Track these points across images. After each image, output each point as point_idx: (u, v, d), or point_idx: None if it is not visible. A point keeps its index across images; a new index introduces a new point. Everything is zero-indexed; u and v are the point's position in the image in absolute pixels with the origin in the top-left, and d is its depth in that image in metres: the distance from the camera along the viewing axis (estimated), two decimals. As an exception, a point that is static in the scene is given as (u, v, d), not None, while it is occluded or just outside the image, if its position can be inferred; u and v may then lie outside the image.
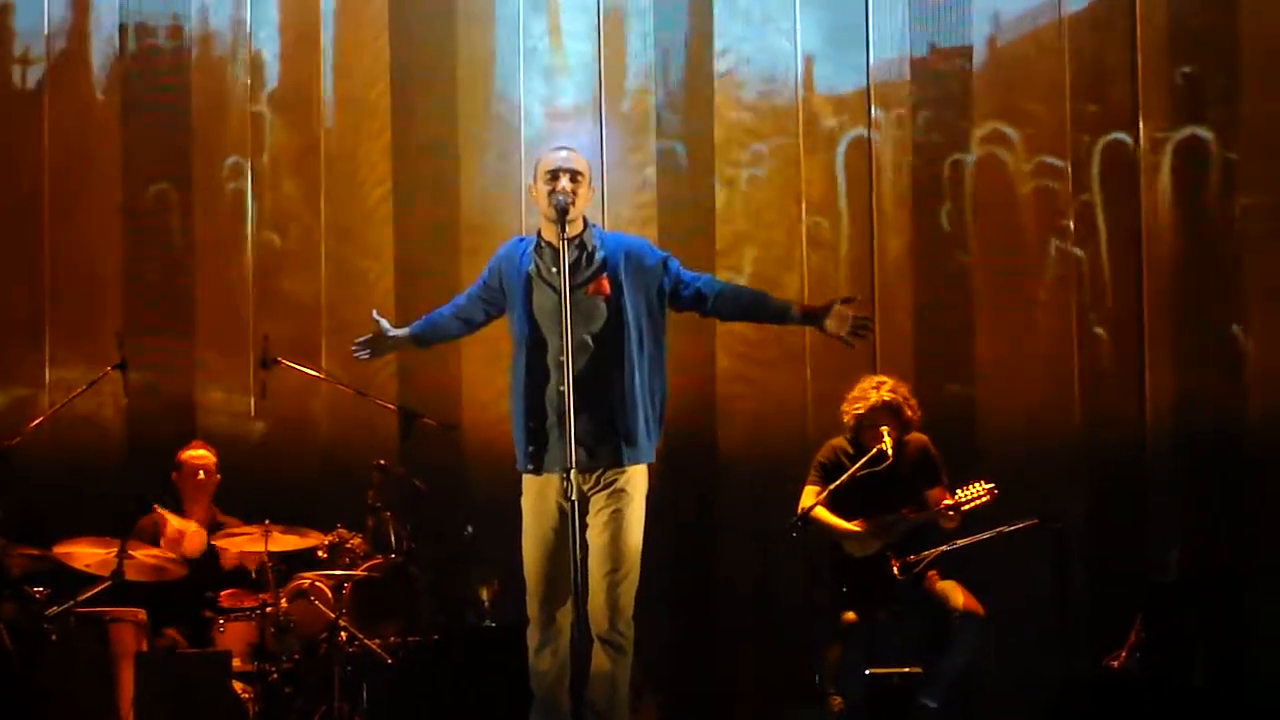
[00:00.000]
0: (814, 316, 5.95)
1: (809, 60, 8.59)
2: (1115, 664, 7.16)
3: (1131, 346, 8.30)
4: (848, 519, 7.32)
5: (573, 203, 5.76)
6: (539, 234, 5.91)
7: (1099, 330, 8.35)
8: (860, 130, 8.55)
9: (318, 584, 7.30)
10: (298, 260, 8.72)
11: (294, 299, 8.69)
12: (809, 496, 7.36)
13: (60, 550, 7.22)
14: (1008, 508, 7.27)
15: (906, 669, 7.07)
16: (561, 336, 5.58)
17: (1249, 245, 8.22)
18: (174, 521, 7.53)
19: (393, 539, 7.48)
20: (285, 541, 7.31)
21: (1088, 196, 8.39)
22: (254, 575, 7.41)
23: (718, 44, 8.65)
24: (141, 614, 7.15)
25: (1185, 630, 7.15)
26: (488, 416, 8.33)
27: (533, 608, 5.84)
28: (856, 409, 7.40)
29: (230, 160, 8.70)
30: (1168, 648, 7.07)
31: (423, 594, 7.55)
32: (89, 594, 7.10)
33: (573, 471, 5.51)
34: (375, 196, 8.73)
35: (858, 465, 7.24)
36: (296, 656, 7.22)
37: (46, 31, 8.71)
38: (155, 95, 8.71)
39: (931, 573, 7.29)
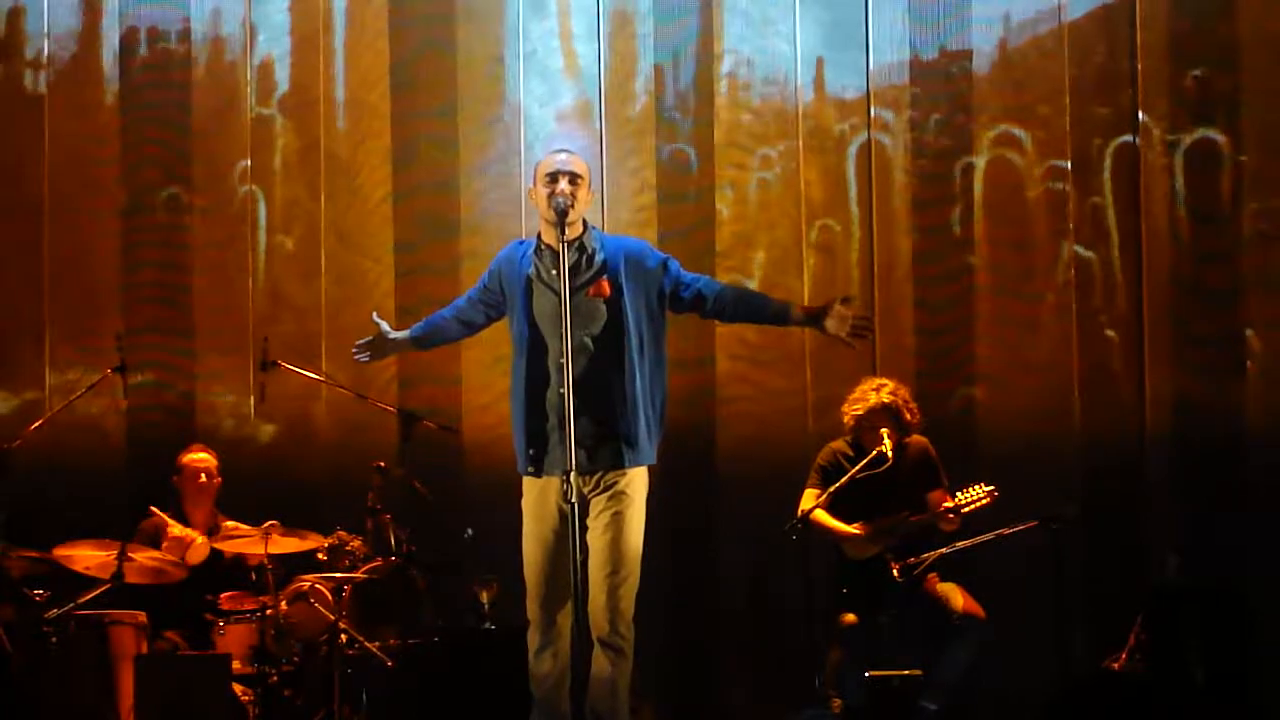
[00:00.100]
0: (814, 317, 5.95)
1: (820, 61, 8.58)
2: (1115, 666, 7.16)
3: (1142, 350, 8.28)
4: (848, 521, 7.32)
5: (572, 205, 5.75)
6: (539, 236, 5.91)
7: (1110, 333, 8.34)
8: (874, 133, 8.54)
9: (318, 586, 7.29)
10: (297, 262, 8.72)
11: (294, 301, 8.70)
12: (808, 499, 7.36)
13: (60, 553, 7.22)
14: (1008, 510, 7.27)
15: (906, 671, 7.07)
16: (561, 339, 5.58)
17: (1258, 248, 8.20)
18: (176, 529, 7.52)
19: (392, 541, 7.48)
20: (285, 544, 7.31)
21: (1099, 199, 8.38)
22: (253, 578, 7.41)
23: (718, 47, 8.64)
24: (141, 616, 7.15)
25: (1185, 633, 7.15)
26: (487, 419, 8.34)
27: (533, 610, 5.84)
28: (856, 410, 7.41)
29: (231, 163, 8.70)
30: (1168, 650, 7.07)
31: (423, 596, 7.55)
32: (89, 597, 7.10)
33: (573, 474, 5.50)
34: (375, 198, 8.73)
35: (858, 468, 7.25)
36: (296, 659, 7.22)
37: (58, 34, 8.71)
38: (162, 96, 8.73)
39: (931, 575, 7.29)
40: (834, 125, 8.59)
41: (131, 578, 7.15)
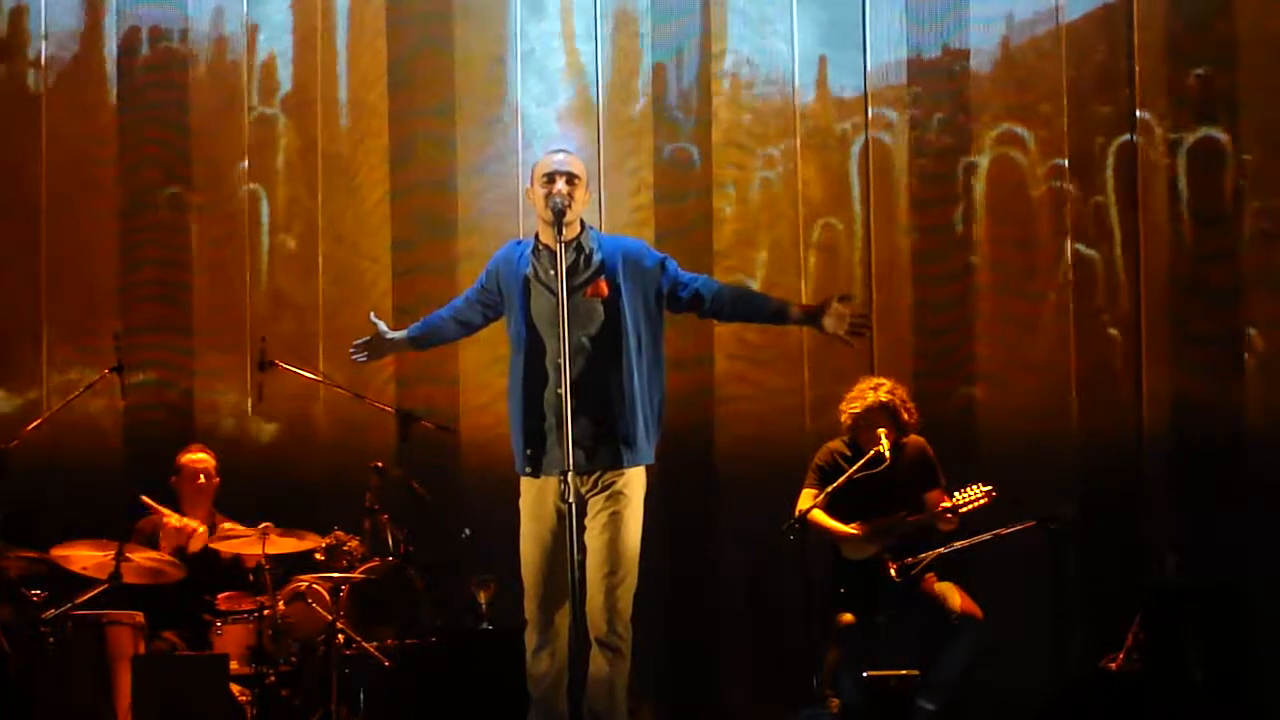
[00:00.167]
0: (812, 316, 5.94)
1: (822, 60, 8.58)
2: (1113, 666, 7.16)
3: (1143, 348, 8.28)
4: (845, 521, 7.32)
5: (569, 205, 5.75)
6: (536, 236, 5.91)
7: (1113, 332, 8.33)
8: (873, 132, 8.53)
9: (315, 586, 7.29)
10: (295, 262, 8.72)
11: (292, 301, 8.69)
12: (806, 499, 7.36)
13: (58, 553, 7.21)
14: (1006, 510, 7.27)
15: (904, 671, 7.07)
16: (559, 339, 5.57)
17: (1260, 247, 8.20)
18: (174, 519, 7.52)
19: (390, 541, 7.48)
20: (282, 544, 7.30)
21: (1101, 198, 8.38)
22: (251, 578, 7.41)
23: (717, 46, 8.64)
24: (139, 617, 7.14)
25: (1184, 632, 7.15)
26: (485, 419, 8.33)
27: (530, 610, 5.84)
28: (854, 408, 7.41)
29: (230, 162, 8.70)
30: (1166, 650, 7.07)
31: (420, 596, 7.55)
32: (86, 597, 7.09)
33: (570, 474, 5.50)
34: (373, 198, 8.73)
35: (855, 468, 7.25)
36: (294, 659, 7.21)
37: (59, 33, 8.71)
38: (161, 96, 8.73)
39: (929, 575, 7.29)
40: (836, 124, 8.59)
41: (129, 578, 7.14)
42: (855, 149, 8.55)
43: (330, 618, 7.16)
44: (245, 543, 7.33)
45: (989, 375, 8.41)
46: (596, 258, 5.87)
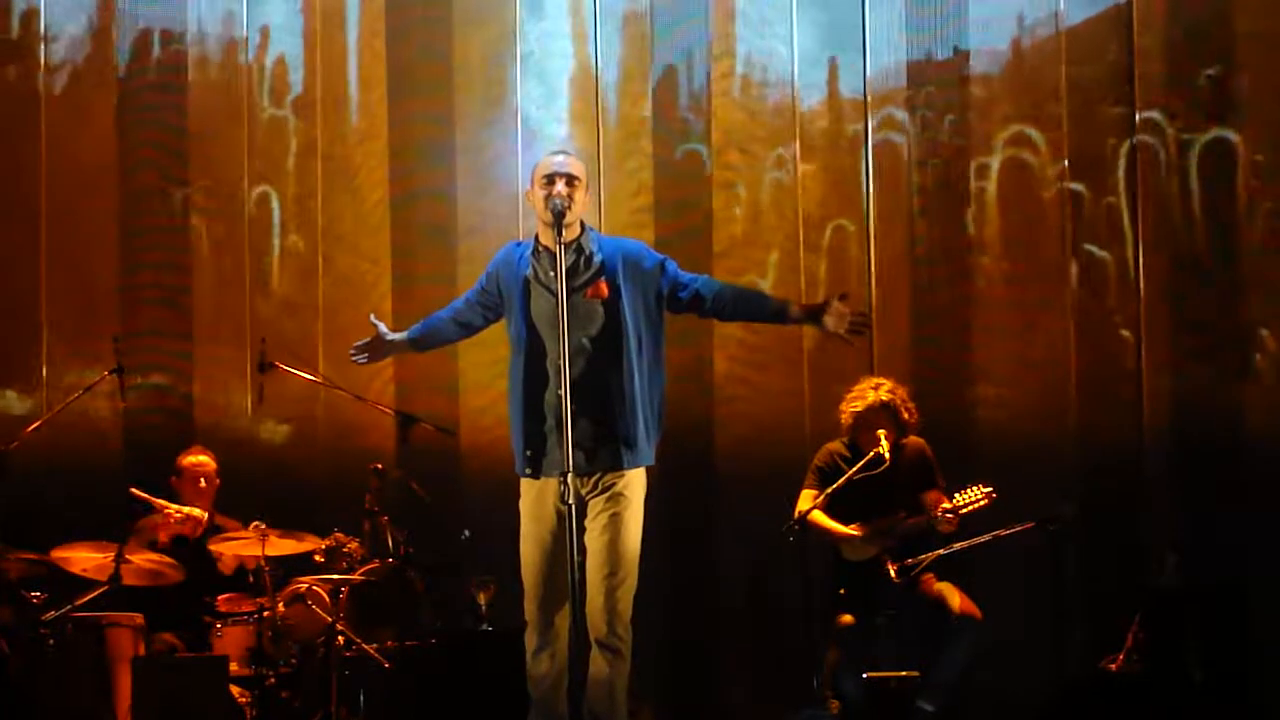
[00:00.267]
0: (812, 314, 5.94)
1: (832, 62, 8.58)
2: (1113, 667, 7.16)
3: (1149, 348, 8.28)
4: (845, 522, 7.33)
5: (569, 207, 5.75)
6: (536, 238, 5.91)
7: (1125, 333, 8.32)
8: (883, 134, 8.54)
9: (315, 588, 7.29)
10: (295, 264, 8.72)
11: (292, 303, 8.70)
12: (806, 500, 7.37)
13: (57, 555, 7.22)
14: (1007, 510, 7.27)
15: (903, 672, 7.08)
16: (559, 340, 5.57)
17: (1272, 247, 8.20)
18: (173, 510, 7.52)
19: (390, 543, 7.48)
20: (282, 546, 7.31)
21: (1113, 199, 8.37)
22: (251, 580, 7.41)
23: (719, 48, 8.64)
24: (139, 618, 7.14)
25: (1183, 633, 7.15)
26: (485, 420, 8.34)
27: (530, 611, 5.84)
28: (854, 407, 7.42)
29: (231, 164, 8.70)
30: (1165, 650, 7.07)
31: (420, 598, 7.55)
32: (86, 598, 7.09)
33: (570, 475, 5.50)
34: (372, 200, 8.73)
35: (855, 469, 7.25)
36: (294, 661, 7.21)
37: (68, 36, 8.71)
38: (161, 99, 8.73)
39: (927, 575, 7.29)
40: (847, 126, 8.58)
41: (128, 580, 7.15)
42: (867, 149, 8.55)
43: (330, 619, 7.16)
44: (245, 544, 7.33)
45: (988, 375, 8.41)
46: (596, 259, 5.87)
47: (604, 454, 5.78)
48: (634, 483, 5.83)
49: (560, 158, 5.92)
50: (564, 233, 5.70)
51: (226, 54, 8.73)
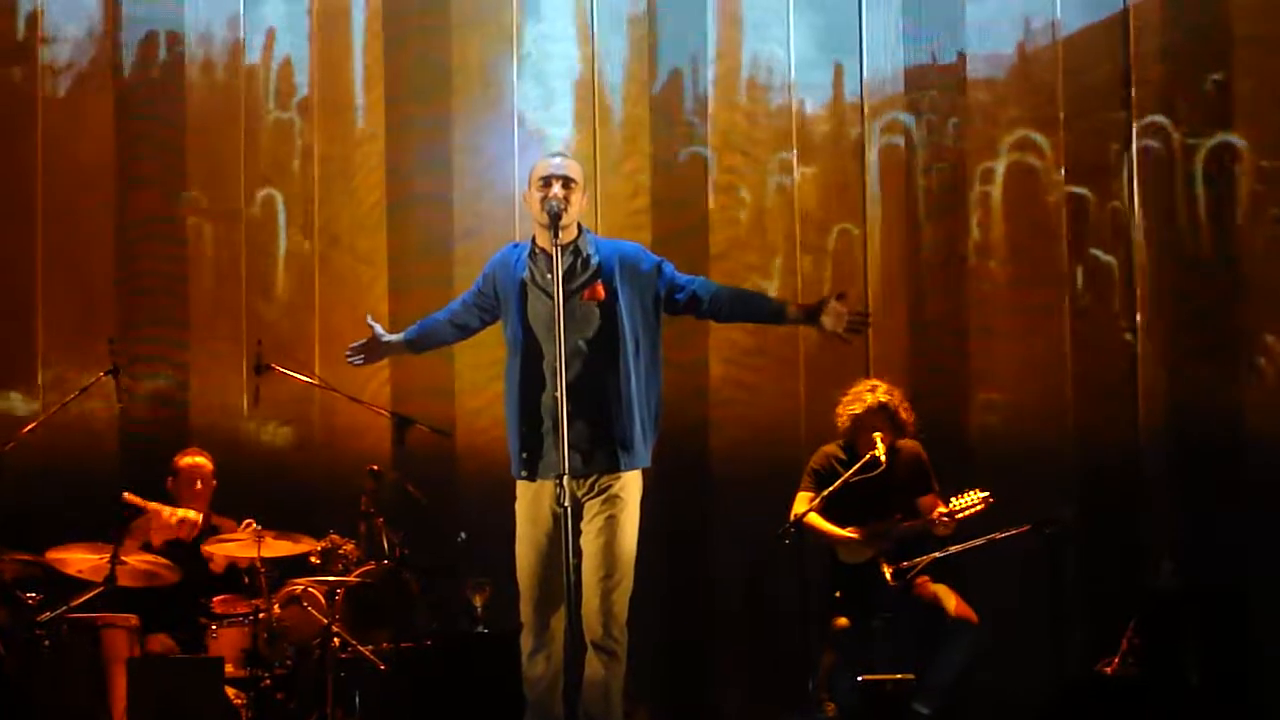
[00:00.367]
0: (810, 314, 5.94)
1: (838, 67, 8.59)
2: (1108, 670, 7.16)
3: (1150, 351, 8.28)
4: (841, 525, 7.33)
5: (565, 209, 5.75)
6: (533, 240, 5.91)
7: (1129, 337, 8.32)
8: (888, 138, 8.54)
9: (311, 590, 7.28)
10: (292, 265, 8.71)
11: (288, 304, 8.69)
12: (801, 503, 7.37)
13: (53, 556, 7.20)
14: (1003, 513, 7.27)
15: (899, 675, 7.08)
16: (556, 343, 5.57)
17: (1277, 252, 8.20)
18: (168, 514, 7.52)
19: (385, 545, 7.47)
20: (278, 547, 7.30)
21: (1117, 203, 8.37)
22: (245, 580, 7.40)
23: (715, 50, 8.64)
24: (134, 619, 7.13)
25: (1179, 636, 7.16)
26: (481, 422, 8.33)
27: (526, 614, 5.84)
28: (853, 409, 7.42)
29: (228, 165, 8.70)
30: (1161, 654, 7.07)
31: (416, 600, 7.55)
32: (82, 599, 7.09)
33: (566, 477, 5.49)
34: (369, 202, 8.73)
35: (851, 471, 7.25)
36: (289, 662, 7.20)
37: (69, 37, 8.71)
38: (159, 96, 8.73)
39: (923, 578, 7.29)
40: (852, 129, 8.58)
41: (124, 581, 7.13)
42: (873, 153, 8.55)
43: (326, 621, 7.15)
44: (240, 546, 7.32)
45: (987, 379, 8.41)
46: (593, 261, 5.87)
47: (600, 456, 5.78)
48: (630, 485, 5.83)
49: (557, 160, 5.93)
50: (560, 235, 5.72)
51: (231, 55, 8.71)
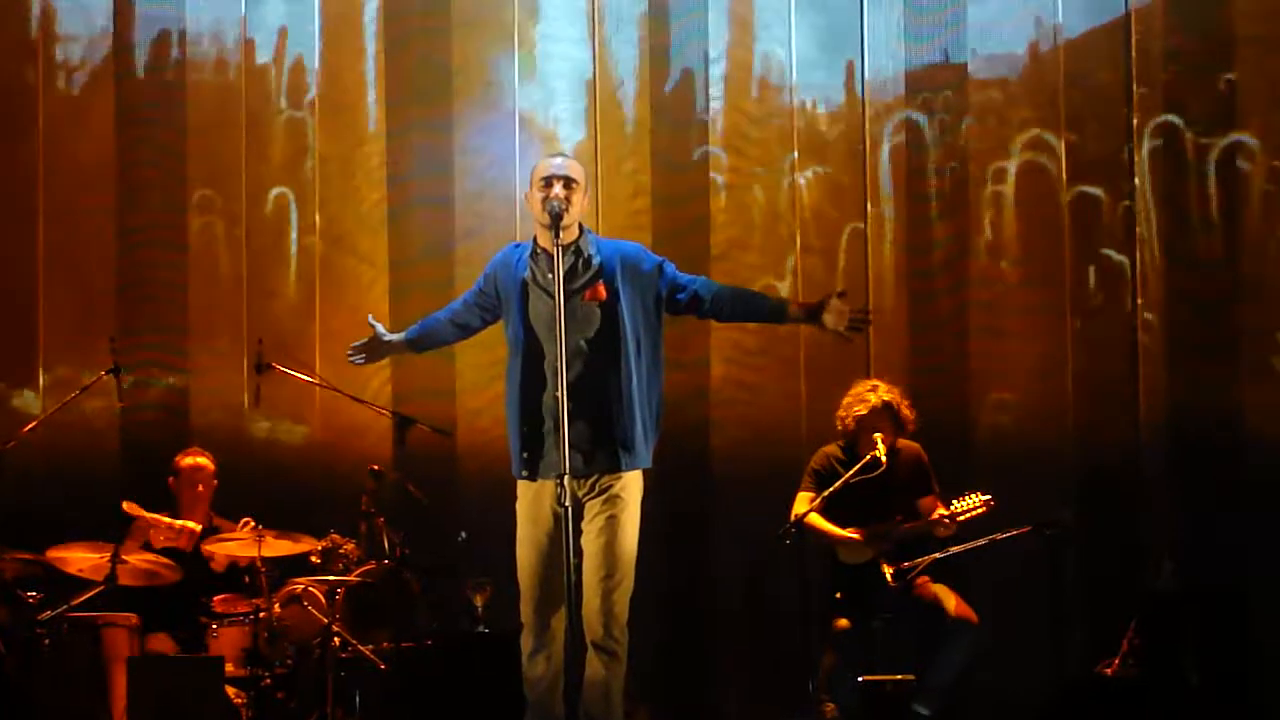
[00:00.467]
0: (811, 313, 5.94)
1: (849, 66, 8.58)
2: (1108, 671, 7.16)
3: (1155, 350, 8.28)
4: (841, 526, 7.33)
5: (566, 209, 5.76)
6: (534, 240, 5.91)
7: (1143, 336, 8.31)
8: (898, 137, 8.54)
9: (311, 589, 7.29)
10: (293, 264, 8.72)
11: (289, 303, 8.69)
12: (802, 503, 7.37)
13: (53, 555, 7.20)
14: (1004, 513, 7.27)
15: (899, 676, 7.08)
16: (557, 343, 5.57)
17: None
18: (166, 523, 7.51)
19: (386, 544, 7.47)
20: (278, 547, 7.30)
21: (1129, 203, 8.36)
22: (246, 579, 7.41)
23: (713, 50, 8.64)
24: (135, 619, 7.14)
25: (1179, 637, 7.16)
26: (482, 422, 8.33)
27: (527, 613, 5.84)
28: (858, 411, 7.41)
29: (229, 164, 8.70)
30: (1161, 655, 7.07)
31: (416, 599, 7.55)
32: (82, 599, 7.09)
33: (567, 477, 5.50)
34: (371, 202, 8.73)
35: (851, 472, 7.25)
36: (290, 662, 7.20)
37: (75, 37, 8.71)
38: (160, 98, 8.74)
39: (923, 578, 7.29)
40: (861, 129, 8.57)
41: (124, 580, 7.14)
42: (882, 153, 8.55)
43: (326, 620, 7.15)
44: (240, 545, 7.32)
45: (989, 379, 8.42)
46: (595, 261, 5.87)
47: (601, 456, 5.78)
48: (631, 485, 5.83)
49: (558, 160, 5.93)
50: (561, 235, 5.72)
51: (244, 55, 8.71)
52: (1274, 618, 7.63)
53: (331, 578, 7.29)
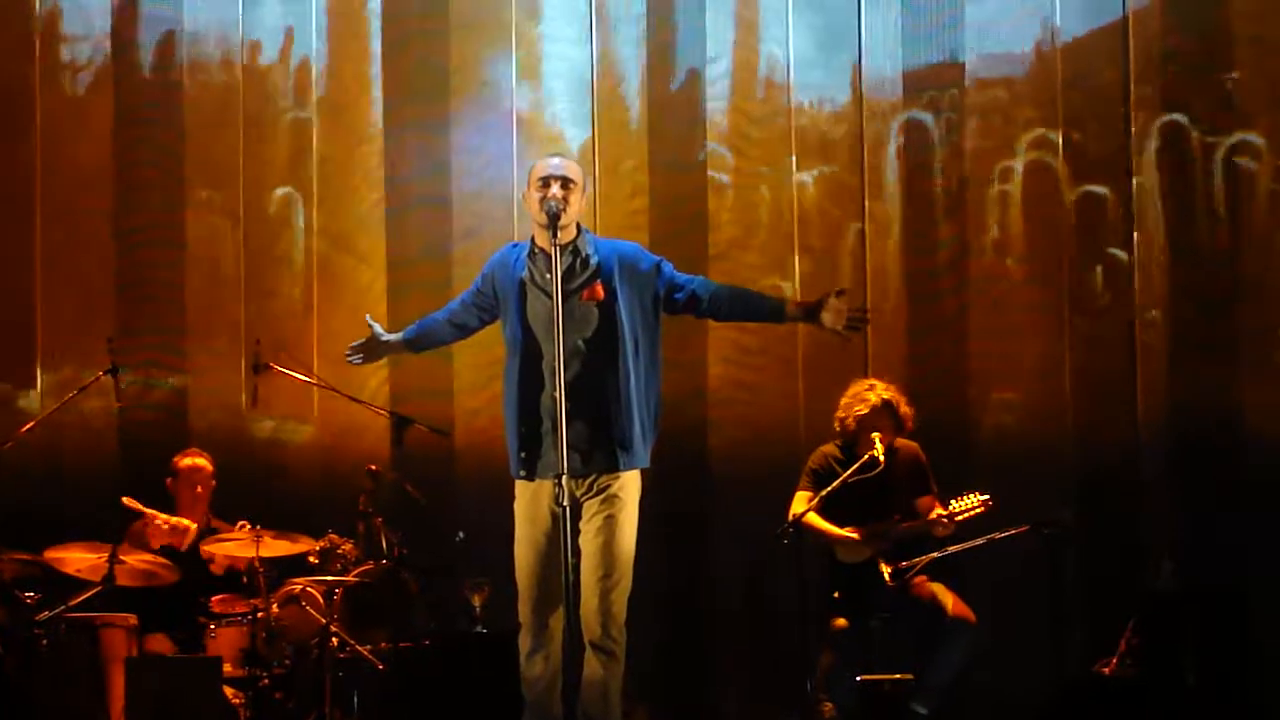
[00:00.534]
0: (809, 312, 5.94)
1: (854, 67, 8.58)
2: (1107, 670, 7.16)
3: (1156, 350, 8.27)
4: (839, 525, 7.33)
5: (564, 209, 5.75)
6: (532, 240, 5.91)
7: (1145, 337, 8.31)
8: (903, 137, 8.54)
9: (309, 589, 7.28)
10: (291, 264, 8.71)
11: (287, 303, 8.69)
12: (800, 503, 7.36)
13: (51, 555, 7.20)
14: (1003, 512, 7.27)
15: (898, 675, 7.08)
16: (555, 343, 5.57)
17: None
18: (163, 519, 7.51)
19: (384, 545, 7.47)
20: (276, 547, 7.30)
21: (1134, 203, 8.35)
22: (244, 580, 7.40)
23: (713, 50, 8.64)
24: (133, 619, 7.13)
25: (1178, 637, 7.15)
26: (480, 422, 8.33)
27: (524, 613, 5.84)
28: (859, 411, 7.41)
29: (227, 164, 8.70)
30: (1160, 654, 7.07)
31: (414, 599, 7.55)
32: (80, 599, 7.08)
33: (565, 477, 5.49)
34: (369, 202, 8.73)
35: (849, 472, 7.24)
36: (288, 662, 7.20)
37: (80, 36, 8.71)
38: (158, 98, 8.73)
39: (921, 578, 7.29)
40: (867, 128, 8.57)
41: (122, 580, 7.13)
42: (890, 150, 8.55)
43: (324, 621, 7.15)
44: (239, 545, 7.32)
45: (989, 378, 8.41)
46: (592, 261, 5.87)
47: (599, 456, 5.78)
48: (629, 485, 5.83)
49: (556, 160, 5.93)
50: (559, 235, 5.72)
51: (244, 56, 8.71)
52: (1274, 618, 7.63)
53: (329, 578, 7.29)
